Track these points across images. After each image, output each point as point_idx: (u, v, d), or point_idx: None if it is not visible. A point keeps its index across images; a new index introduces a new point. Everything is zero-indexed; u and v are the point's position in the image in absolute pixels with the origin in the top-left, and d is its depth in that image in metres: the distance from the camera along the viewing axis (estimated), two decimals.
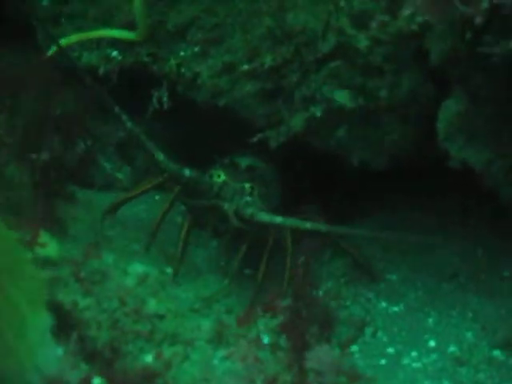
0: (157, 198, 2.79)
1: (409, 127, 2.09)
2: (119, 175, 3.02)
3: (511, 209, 2.03)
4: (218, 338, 1.55)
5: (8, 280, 1.17)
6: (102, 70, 2.50)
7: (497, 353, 1.94)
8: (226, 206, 2.12)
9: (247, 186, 2.21)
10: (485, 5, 1.46)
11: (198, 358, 1.47)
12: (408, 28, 1.86)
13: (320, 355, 1.43)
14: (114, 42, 2.50)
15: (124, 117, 2.22)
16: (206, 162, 2.42)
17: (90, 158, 2.90)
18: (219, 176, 2.23)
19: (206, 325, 1.59)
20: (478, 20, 1.47)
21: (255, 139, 2.16)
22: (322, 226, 2.00)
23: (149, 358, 1.44)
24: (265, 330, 1.64)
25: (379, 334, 2.10)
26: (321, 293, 2.28)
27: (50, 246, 1.54)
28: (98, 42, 2.52)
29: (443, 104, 1.94)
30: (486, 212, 2.30)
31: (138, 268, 1.74)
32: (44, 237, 1.48)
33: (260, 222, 2.08)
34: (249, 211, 2.09)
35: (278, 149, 2.16)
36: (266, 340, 1.62)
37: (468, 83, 1.86)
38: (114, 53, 2.50)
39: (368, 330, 2.10)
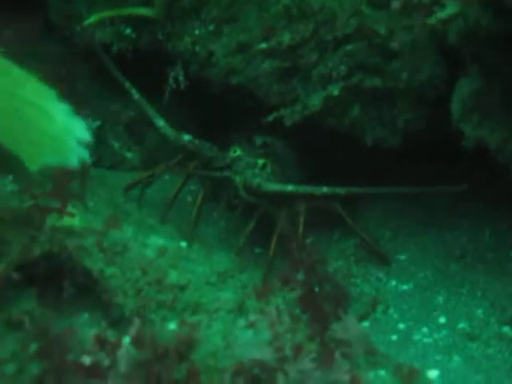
0: (167, 178, 2.81)
1: (423, 107, 2.11)
2: (128, 154, 3.04)
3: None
4: (239, 309, 1.57)
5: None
6: (115, 48, 2.51)
7: (506, 329, 1.98)
8: (237, 178, 2.16)
9: (260, 161, 2.27)
10: None
11: (221, 327, 1.49)
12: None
13: (348, 325, 1.46)
14: (128, 20, 2.51)
15: (127, 84, 2.32)
16: (224, 140, 2.45)
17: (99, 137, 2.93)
18: (235, 151, 2.29)
19: (226, 296, 1.61)
20: None
21: (270, 118, 2.18)
22: (339, 189, 2.04)
23: (172, 326, 1.47)
24: (283, 303, 1.66)
25: (390, 311, 2.13)
26: (331, 269, 2.32)
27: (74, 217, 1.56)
28: (112, 19, 2.53)
29: (457, 83, 1.97)
30: (494, 193, 2.32)
31: (157, 241, 1.76)
32: (70, 208, 1.49)
33: (269, 192, 2.12)
34: (256, 181, 2.13)
35: (295, 128, 2.19)
36: (283, 312, 1.65)
37: (483, 61, 1.88)
38: (128, 30, 2.51)
39: (379, 308, 2.13)
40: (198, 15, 2.38)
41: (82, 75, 2.85)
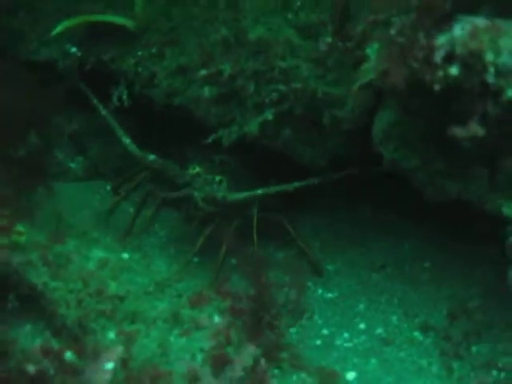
0: (108, 187, 2.93)
1: (348, 132, 2.30)
2: (72, 165, 3.13)
3: (434, 207, 2.29)
4: (174, 318, 1.72)
5: None
6: (61, 65, 2.62)
7: (417, 334, 2.20)
8: (196, 194, 2.33)
9: (217, 178, 2.44)
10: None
11: (157, 335, 1.63)
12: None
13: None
14: (72, 38, 2.62)
15: (95, 101, 2.51)
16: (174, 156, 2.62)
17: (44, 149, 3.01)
18: (195, 168, 2.46)
19: (163, 305, 1.76)
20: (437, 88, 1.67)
21: (210, 140, 2.33)
22: (287, 186, 2.33)
23: (111, 335, 1.60)
24: (216, 312, 1.82)
25: (315, 317, 2.32)
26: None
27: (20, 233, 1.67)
28: (57, 37, 2.63)
29: (378, 114, 2.18)
30: (412, 209, 2.54)
31: (98, 253, 1.89)
32: (18, 225, 1.61)
33: (233, 201, 2.32)
34: (220, 194, 2.34)
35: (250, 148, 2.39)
36: (216, 320, 1.81)
37: (401, 97, 2.09)
38: (73, 49, 2.62)
39: (305, 315, 2.32)
40: (140, 39, 2.52)
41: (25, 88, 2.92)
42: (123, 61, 2.54)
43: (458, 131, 1.77)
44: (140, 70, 2.52)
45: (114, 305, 1.68)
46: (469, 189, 1.98)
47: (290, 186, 2.36)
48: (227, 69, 2.22)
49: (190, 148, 2.62)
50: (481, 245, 2.41)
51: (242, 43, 2.30)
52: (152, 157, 2.41)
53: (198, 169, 2.46)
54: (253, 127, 2.23)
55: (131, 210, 2.76)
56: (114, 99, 2.57)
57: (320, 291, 2.47)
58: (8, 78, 2.84)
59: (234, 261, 2.60)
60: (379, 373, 2.04)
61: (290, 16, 2.35)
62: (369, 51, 1.90)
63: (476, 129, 1.75)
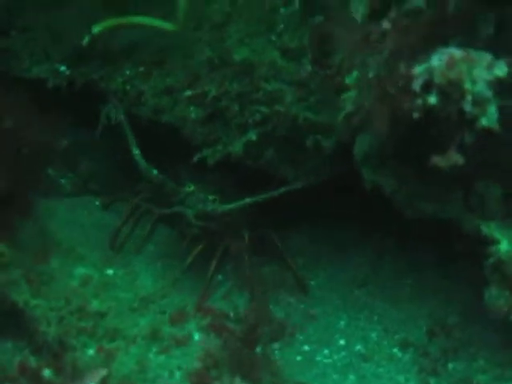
0: (97, 203, 2.98)
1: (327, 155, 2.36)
2: (63, 181, 3.18)
3: (414, 226, 2.35)
4: (154, 335, 1.76)
5: None
6: (50, 83, 2.67)
7: (395, 350, 2.24)
8: (188, 211, 2.38)
9: (210, 197, 2.50)
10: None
11: (136, 352, 1.68)
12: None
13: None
14: (63, 58, 2.67)
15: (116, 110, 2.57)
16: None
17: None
18: (190, 187, 2.52)
19: (143, 322, 1.80)
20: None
21: (195, 159, 2.39)
22: (273, 193, 2.41)
23: (91, 351, 1.64)
24: (196, 329, 1.86)
25: (297, 334, 2.36)
26: (247, 295, 2.54)
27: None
28: (47, 56, 2.69)
29: (359, 136, 2.23)
30: (393, 228, 2.59)
31: (81, 270, 1.93)
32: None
33: (224, 212, 2.41)
34: (210, 207, 2.44)
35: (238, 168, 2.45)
36: (196, 337, 1.85)
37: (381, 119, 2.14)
38: (63, 68, 2.67)
39: (287, 331, 2.36)
40: (129, 57, 2.57)
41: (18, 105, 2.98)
42: (112, 79, 2.59)
43: (438, 160, 1.81)
44: (128, 88, 2.58)
45: (94, 322, 1.72)
46: (446, 210, 2.03)
47: (275, 192, 2.41)
48: (212, 90, 2.27)
49: (181, 166, 2.67)
50: (461, 264, 2.45)
51: (226, 64, 2.36)
52: (155, 171, 2.49)
53: (192, 187, 2.52)
54: (237, 147, 2.28)
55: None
56: (102, 117, 2.63)
57: (302, 307, 2.51)
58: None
59: (220, 277, 2.64)
60: None
61: (273, 38, 2.41)
62: (348, 80, 1.95)
63: (455, 157, 1.79)
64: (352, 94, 1.99)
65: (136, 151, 2.51)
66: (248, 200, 2.42)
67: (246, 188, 2.66)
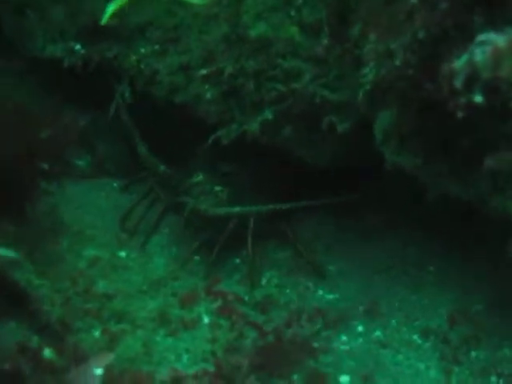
0: (115, 185, 2.94)
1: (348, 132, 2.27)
2: (79, 163, 3.15)
3: (438, 210, 2.25)
4: (162, 318, 1.71)
5: None
6: (66, 63, 2.63)
7: (415, 337, 2.16)
8: (191, 203, 2.32)
9: (218, 188, 2.43)
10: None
11: (142, 335, 1.63)
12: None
13: None
14: (78, 35, 2.62)
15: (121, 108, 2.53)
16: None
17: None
18: (198, 176, 2.45)
19: (152, 305, 1.75)
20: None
21: (210, 140, 2.32)
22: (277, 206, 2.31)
23: (96, 334, 1.60)
24: (205, 312, 1.81)
25: (314, 319, 2.28)
26: (264, 280, 2.48)
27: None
28: (62, 35, 2.64)
29: (379, 114, 2.13)
30: (419, 213, 2.49)
31: (91, 252, 1.89)
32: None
33: (213, 215, 2.31)
34: (203, 207, 2.29)
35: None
36: (206, 320, 1.80)
37: (399, 94, 2.04)
38: (78, 46, 2.62)
39: (304, 316, 2.28)
40: (143, 34, 2.51)
41: (34, 87, 2.96)
42: (126, 58, 2.54)
43: (492, 163, 1.70)
44: (142, 67, 2.52)
45: (101, 303, 1.67)
46: (471, 189, 1.92)
47: (264, 208, 2.36)
48: (228, 67, 2.20)
49: (194, 153, 2.61)
50: (487, 248, 2.35)
51: (243, 40, 2.28)
52: (162, 167, 2.43)
53: (200, 177, 2.45)
54: (253, 126, 2.20)
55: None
56: (117, 96, 2.58)
57: (321, 292, 2.43)
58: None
59: (237, 261, 2.59)
60: (374, 376, 2.00)
61: (292, 13, 2.31)
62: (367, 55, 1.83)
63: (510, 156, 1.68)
64: (372, 69, 1.89)
65: (142, 150, 2.46)
66: (236, 209, 2.33)
67: (260, 178, 2.60)
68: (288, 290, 2.43)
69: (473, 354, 2.07)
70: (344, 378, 1.98)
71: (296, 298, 2.37)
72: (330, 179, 2.53)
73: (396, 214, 2.67)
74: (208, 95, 2.29)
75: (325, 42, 2.05)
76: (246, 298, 2.22)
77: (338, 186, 2.60)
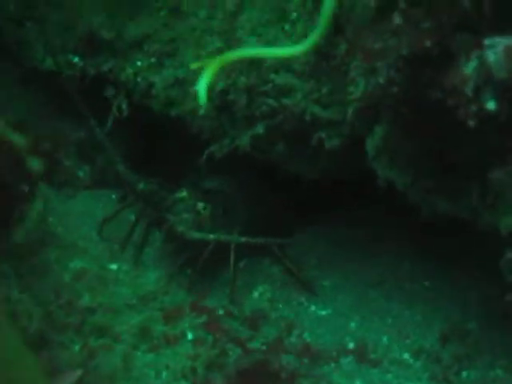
0: (113, 196, 2.94)
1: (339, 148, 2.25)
2: (80, 173, 3.16)
3: (434, 226, 2.23)
4: (144, 332, 1.70)
5: None
6: (64, 74, 2.65)
7: (406, 356, 2.13)
8: (172, 220, 2.30)
9: (201, 205, 2.40)
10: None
11: (123, 350, 1.62)
12: None
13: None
14: (76, 48, 2.65)
15: (93, 122, 2.52)
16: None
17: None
18: (182, 192, 2.43)
19: (135, 320, 1.75)
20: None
21: (204, 156, 2.31)
22: (251, 240, 2.26)
23: (76, 349, 1.60)
24: (189, 328, 1.80)
25: (305, 335, 2.27)
26: (256, 294, 2.46)
27: None
28: (61, 47, 2.67)
29: (371, 130, 2.12)
30: (411, 227, 2.47)
31: (78, 264, 1.89)
32: None
33: (190, 239, 2.29)
34: (180, 229, 2.28)
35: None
36: (190, 336, 1.79)
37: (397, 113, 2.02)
38: (76, 59, 2.64)
39: (294, 332, 2.27)
40: (140, 47, 2.52)
41: (34, 97, 2.98)
42: (122, 71, 2.55)
43: (500, 175, 1.66)
44: (139, 80, 2.53)
45: (83, 317, 1.67)
46: (460, 205, 1.90)
47: (238, 239, 2.34)
48: (219, 83, 2.20)
49: (186, 168, 2.60)
50: (484, 265, 2.32)
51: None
52: (141, 185, 2.40)
53: (184, 193, 2.43)
54: (244, 141, 2.20)
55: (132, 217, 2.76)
56: (114, 109, 2.59)
57: (313, 308, 2.42)
58: None
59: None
60: None
61: (286, 27, 2.31)
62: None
63: None
64: (358, 86, 1.88)
65: (120, 168, 2.43)
66: (212, 237, 2.29)
67: (248, 193, 2.58)
68: (280, 305, 2.41)
69: (464, 373, 2.04)
70: None
71: (287, 314, 2.35)
72: (322, 191, 2.52)
73: (391, 227, 2.65)
74: (201, 111, 2.29)
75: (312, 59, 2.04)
76: (236, 312, 2.21)
77: (332, 198, 2.60)
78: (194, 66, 1.89)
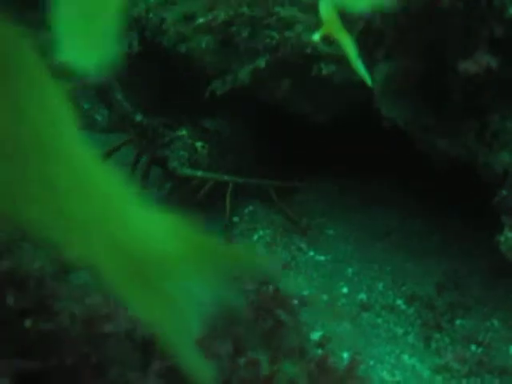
0: None
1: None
2: (98, 117, 3.18)
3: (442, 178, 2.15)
4: None
5: None
6: None
7: (400, 302, 2.06)
8: (167, 156, 2.28)
9: (199, 144, 2.37)
10: None
11: None
12: None
13: None
14: None
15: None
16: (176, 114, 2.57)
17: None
18: (182, 131, 2.39)
19: None
20: None
21: (206, 94, 2.27)
22: (239, 179, 2.21)
23: None
24: None
25: (299, 278, 2.22)
26: (255, 237, 2.43)
27: None
28: None
29: (377, 66, 2.04)
30: (427, 183, 2.38)
31: None
32: None
33: (181, 175, 2.26)
34: (172, 165, 2.25)
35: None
36: None
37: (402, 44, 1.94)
38: None
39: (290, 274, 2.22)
40: None
41: None
42: (134, 7, 2.53)
43: (468, 66, 1.59)
44: (151, 15, 2.51)
45: None
46: (459, 144, 1.81)
47: (228, 178, 2.30)
48: (221, 15, 2.15)
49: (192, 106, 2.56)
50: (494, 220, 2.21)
51: None
52: (139, 117, 2.34)
53: (184, 131, 2.39)
54: (243, 75, 2.15)
55: None
56: (125, 45, 2.58)
57: (312, 253, 2.36)
58: None
59: (236, 219, 2.55)
60: (347, 335, 1.92)
61: None
62: None
63: (486, 59, 1.56)
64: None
65: (118, 95, 2.36)
66: (199, 173, 2.25)
67: (248, 136, 2.53)
68: (279, 249, 2.37)
69: (457, 322, 1.95)
70: (316, 334, 1.91)
71: (284, 257, 2.31)
72: (328, 141, 2.45)
73: (403, 181, 2.56)
74: (203, 44, 2.25)
75: None
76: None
77: (338, 150, 2.52)
78: (317, 36, 1.57)
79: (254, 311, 1.57)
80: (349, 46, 1.43)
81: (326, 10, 1.38)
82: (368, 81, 1.54)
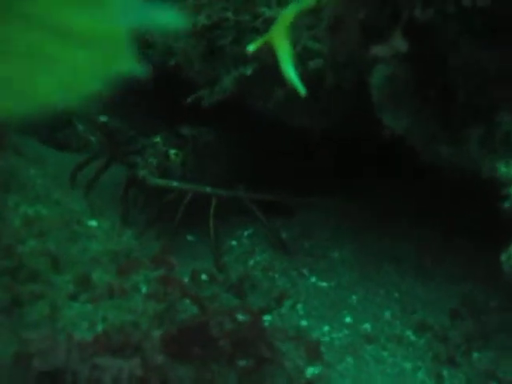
0: None
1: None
2: (92, 138, 3.05)
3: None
4: (85, 284, 1.52)
5: None
6: None
7: (408, 333, 1.83)
8: (136, 163, 2.11)
9: (173, 151, 2.19)
10: None
11: (53, 300, 1.44)
12: None
13: None
14: None
15: None
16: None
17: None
18: (156, 138, 2.23)
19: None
20: None
21: (189, 100, 2.11)
22: (222, 191, 1.98)
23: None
24: (143, 281, 1.59)
25: (298, 306, 2.01)
26: (252, 262, 2.23)
27: None
28: None
29: (375, 68, 1.85)
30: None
31: (27, 210, 1.73)
32: None
33: (152, 185, 2.06)
34: (141, 174, 2.07)
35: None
36: (143, 290, 1.58)
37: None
38: None
39: (287, 302, 2.01)
40: None
41: None
42: None
43: (378, 50, 1.43)
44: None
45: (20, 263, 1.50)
46: (463, 151, 1.60)
47: (205, 189, 2.08)
48: (201, 19, 1.98)
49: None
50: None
51: None
52: (103, 118, 2.18)
53: (158, 139, 2.21)
54: (227, 83, 1.97)
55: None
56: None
57: (314, 279, 2.15)
58: None
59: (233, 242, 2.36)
60: (351, 372, 1.70)
61: None
62: None
63: (397, 43, 1.41)
64: None
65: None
66: (175, 184, 2.05)
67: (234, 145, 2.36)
68: (276, 275, 2.16)
69: (475, 355, 1.72)
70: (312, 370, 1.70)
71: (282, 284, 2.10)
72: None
73: (412, 202, 2.35)
74: (191, 52, 2.08)
75: None
76: (220, 277, 1.99)
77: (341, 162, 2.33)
78: (252, 47, 1.53)
79: (230, 346, 1.37)
80: (284, 54, 1.27)
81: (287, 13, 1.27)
82: (301, 90, 1.37)
